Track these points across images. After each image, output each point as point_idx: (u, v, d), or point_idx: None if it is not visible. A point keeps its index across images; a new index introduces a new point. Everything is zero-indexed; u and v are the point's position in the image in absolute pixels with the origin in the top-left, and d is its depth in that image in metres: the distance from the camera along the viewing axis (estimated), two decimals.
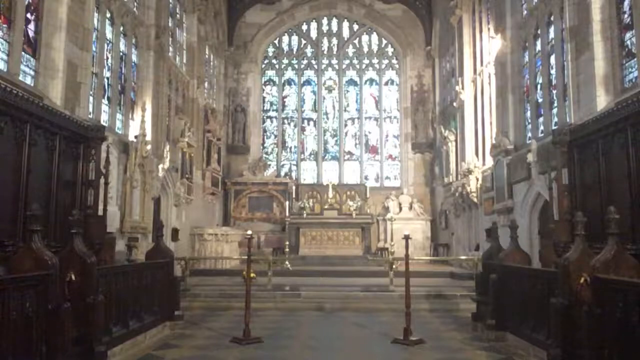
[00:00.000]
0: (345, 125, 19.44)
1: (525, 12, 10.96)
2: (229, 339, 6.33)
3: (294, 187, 17.60)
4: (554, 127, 9.06)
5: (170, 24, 12.82)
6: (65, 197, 6.77)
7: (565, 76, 8.66)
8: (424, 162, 18.45)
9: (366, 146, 19.33)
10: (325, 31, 19.69)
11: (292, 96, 19.71)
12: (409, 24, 18.87)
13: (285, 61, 19.62)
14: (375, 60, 19.58)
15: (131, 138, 10.11)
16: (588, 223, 5.14)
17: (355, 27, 19.63)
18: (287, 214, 15.73)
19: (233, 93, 18.66)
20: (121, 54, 10.50)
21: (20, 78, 6.98)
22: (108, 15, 9.87)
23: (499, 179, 11.16)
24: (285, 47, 19.67)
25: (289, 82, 19.76)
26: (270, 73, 19.68)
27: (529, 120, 10.78)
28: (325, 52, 19.62)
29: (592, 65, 7.58)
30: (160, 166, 11.01)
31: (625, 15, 7.35)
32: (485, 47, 13.27)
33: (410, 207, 17.61)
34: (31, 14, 7.35)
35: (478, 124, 13.81)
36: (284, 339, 6.51)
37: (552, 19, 9.71)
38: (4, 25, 6.81)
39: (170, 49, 12.84)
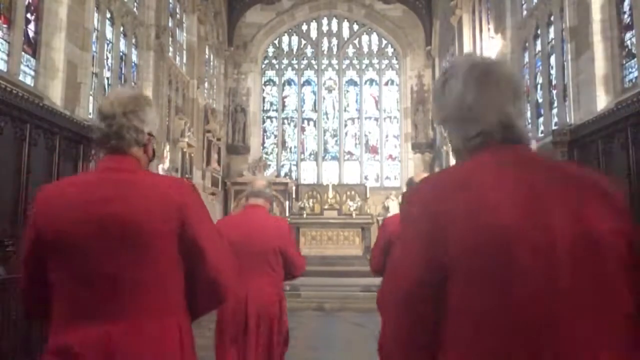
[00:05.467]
0: (345, 125, 19.44)
1: (525, 12, 10.97)
2: None
3: (294, 187, 17.59)
4: (554, 127, 9.06)
5: (170, 24, 12.82)
6: None
7: (565, 76, 8.66)
8: (424, 162, 18.45)
9: (366, 146, 19.32)
10: (325, 31, 19.68)
11: (292, 96, 19.69)
12: (409, 24, 18.87)
13: (285, 61, 19.61)
14: (375, 61, 19.57)
15: None
16: None
17: (355, 27, 19.63)
18: (287, 214, 15.73)
19: (233, 93, 18.64)
20: (121, 54, 10.50)
21: (20, 78, 6.98)
22: (108, 15, 9.88)
23: None
24: (285, 47, 19.66)
25: (289, 82, 19.75)
26: (270, 73, 19.66)
27: (529, 120, 10.78)
28: (325, 52, 19.61)
29: (592, 65, 7.58)
30: (160, 166, 11.00)
31: (625, 15, 7.35)
32: (485, 47, 13.28)
33: None
34: (31, 14, 7.35)
35: None
36: None
37: (552, 19, 9.71)
38: (4, 25, 6.81)
39: (170, 49, 12.83)
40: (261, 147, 19.11)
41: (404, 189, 17.94)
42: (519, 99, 1.12)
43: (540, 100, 10.29)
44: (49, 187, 1.62)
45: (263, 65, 19.48)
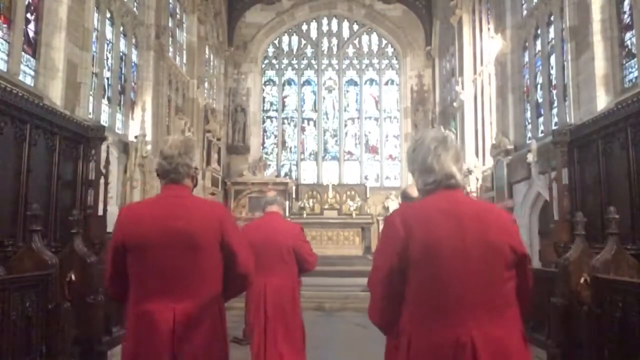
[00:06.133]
0: (345, 125, 19.43)
1: (525, 12, 10.96)
2: (229, 339, 6.32)
3: (294, 187, 17.57)
4: (554, 127, 9.06)
5: (170, 24, 12.82)
6: (65, 197, 6.77)
7: (565, 76, 8.67)
8: None
9: (366, 146, 19.32)
10: (325, 31, 19.67)
11: (292, 96, 19.69)
12: (409, 24, 18.86)
13: (285, 61, 19.61)
14: (375, 61, 19.56)
15: (131, 138, 10.11)
16: (588, 223, 5.14)
17: (355, 27, 19.62)
18: (287, 214, 15.72)
19: (233, 93, 18.63)
20: (121, 54, 10.50)
21: (20, 78, 6.99)
22: (108, 15, 9.87)
23: (499, 179, 11.16)
24: (285, 47, 19.65)
25: (289, 82, 19.74)
26: (270, 73, 19.66)
27: (529, 120, 10.78)
28: (325, 52, 19.60)
29: (592, 65, 7.58)
30: None
31: (625, 15, 7.35)
32: (485, 47, 13.27)
33: None
34: (31, 14, 7.35)
35: (478, 124, 13.81)
36: None
37: (552, 19, 9.71)
38: (4, 25, 6.81)
39: (170, 49, 12.83)
40: (261, 147, 19.10)
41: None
42: (458, 161, 1.81)
43: (540, 100, 10.28)
44: (131, 206, 2.54)
45: (263, 65, 19.48)
